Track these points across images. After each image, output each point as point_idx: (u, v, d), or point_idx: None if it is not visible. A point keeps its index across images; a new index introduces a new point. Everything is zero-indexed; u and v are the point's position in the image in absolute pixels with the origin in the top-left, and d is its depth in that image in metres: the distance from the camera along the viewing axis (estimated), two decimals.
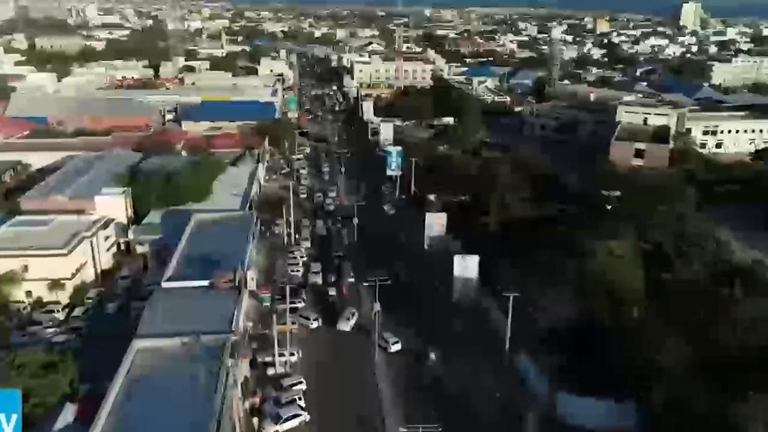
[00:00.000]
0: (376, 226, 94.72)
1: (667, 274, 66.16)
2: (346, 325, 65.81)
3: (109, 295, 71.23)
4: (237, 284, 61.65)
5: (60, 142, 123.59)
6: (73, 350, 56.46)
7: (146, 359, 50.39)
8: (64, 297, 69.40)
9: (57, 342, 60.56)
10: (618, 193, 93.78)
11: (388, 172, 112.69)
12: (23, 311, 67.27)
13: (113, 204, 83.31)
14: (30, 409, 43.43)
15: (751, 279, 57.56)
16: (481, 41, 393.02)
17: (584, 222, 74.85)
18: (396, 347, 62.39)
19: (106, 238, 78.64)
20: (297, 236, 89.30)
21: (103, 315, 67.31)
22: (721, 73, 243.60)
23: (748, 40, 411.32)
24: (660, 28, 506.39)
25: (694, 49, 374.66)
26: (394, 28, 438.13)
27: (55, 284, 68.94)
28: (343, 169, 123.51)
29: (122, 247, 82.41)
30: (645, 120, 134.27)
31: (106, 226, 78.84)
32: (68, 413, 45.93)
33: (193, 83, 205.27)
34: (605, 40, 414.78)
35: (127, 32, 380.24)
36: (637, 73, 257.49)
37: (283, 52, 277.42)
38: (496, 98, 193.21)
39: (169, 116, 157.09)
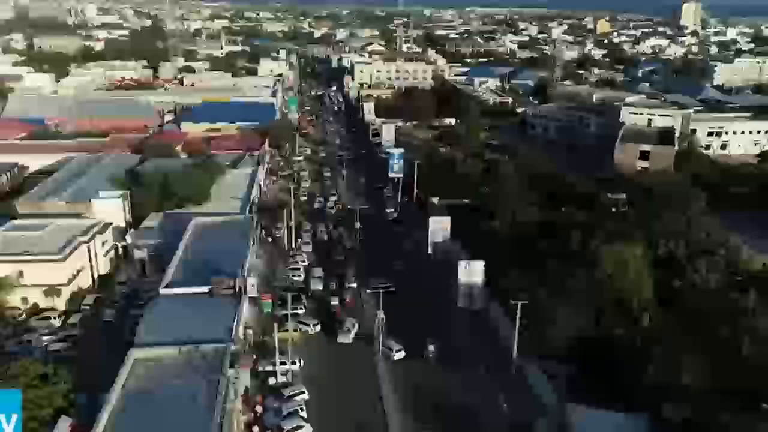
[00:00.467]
0: (378, 230, 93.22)
1: (678, 281, 64.92)
2: (346, 338, 63.68)
3: (107, 302, 69.67)
4: (237, 291, 60.31)
5: (57, 144, 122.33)
6: (69, 360, 55.16)
7: (144, 370, 49.01)
8: (60, 303, 67.98)
9: (53, 350, 59.22)
10: (624, 195, 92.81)
11: (390, 175, 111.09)
12: (18, 318, 65.69)
13: (111, 207, 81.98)
14: (23, 423, 41.86)
15: (766, 286, 56.02)
16: (482, 41, 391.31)
17: (591, 226, 73.23)
18: (399, 355, 60.91)
19: (104, 242, 77.10)
20: (298, 241, 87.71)
21: (100, 322, 65.77)
22: (724, 74, 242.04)
23: (749, 40, 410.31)
24: (660, 28, 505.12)
25: (695, 49, 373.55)
26: (395, 28, 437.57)
27: (51, 290, 67.43)
28: (344, 172, 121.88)
29: (120, 251, 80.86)
30: (649, 121, 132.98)
31: (103, 230, 77.30)
32: (63, 428, 44.32)
33: (192, 84, 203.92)
34: (605, 40, 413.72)
35: (126, 32, 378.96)
36: (639, 74, 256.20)
37: (282, 53, 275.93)
38: (499, 99, 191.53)
39: (168, 117, 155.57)
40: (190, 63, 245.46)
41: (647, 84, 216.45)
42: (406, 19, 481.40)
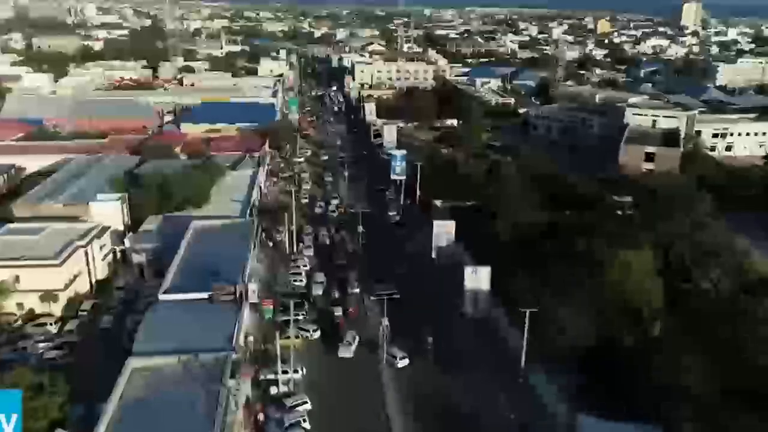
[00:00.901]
0: (381, 233, 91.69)
1: (687, 285, 63.68)
2: (347, 351, 61.13)
3: (104, 308, 68.29)
4: (238, 297, 59.00)
5: (55, 145, 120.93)
6: (66, 368, 53.80)
7: (142, 380, 47.75)
8: (56, 309, 66.54)
9: (49, 358, 57.86)
10: (630, 198, 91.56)
11: (392, 176, 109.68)
12: (14, 324, 64.30)
13: (109, 210, 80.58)
14: None
15: None
16: (482, 41, 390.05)
17: (598, 229, 71.91)
18: (403, 362, 59.56)
19: (102, 246, 75.67)
20: (300, 245, 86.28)
21: (97, 329, 64.39)
22: (727, 74, 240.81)
23: (750, 40, 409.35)
24: (661, 29, 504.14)
25: (696, 49, 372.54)
26: (395, 28, 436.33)
27: (48, 296, 65.99)
28: (346, 173, 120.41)
29: (118, 255, 79.46)
30: (654, 122, 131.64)
31: (101, 234, 75.83)
32: None
33: (192, 84, 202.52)
34: (606, 41, 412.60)
35: (125, 32, 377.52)
36: (641, 74, 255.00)
37: (283, 53, 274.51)
38: (501, 100, 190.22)
39: (167, 117, 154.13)
40: (189, 63, 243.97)
41: (649, 84, 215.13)
42: (406, 19, 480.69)
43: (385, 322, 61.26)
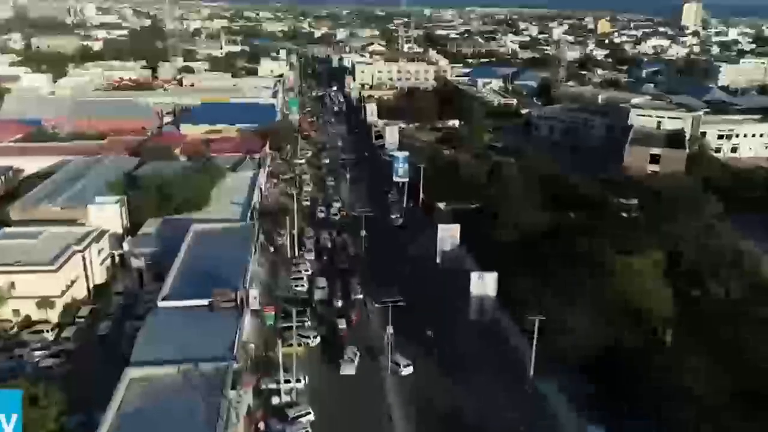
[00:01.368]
0: (383, 236, 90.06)
1: (697, 291, 62.48)
2: (350, 368, 58.90)
3: (102, 314, 66.93)
4: (239, 303, 57.65)
5: (54, 146, 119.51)
6: (62, 377, 52.52)
7: (140, 390, 46.40)
8: (53, 316, 65.18)
9: (45, 366, 56.57)
10: (635, 201, 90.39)
11: (395, 179, 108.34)
12: (10, 331, 62.97)
13: (108, 213, 79.34)
14: None
15: None
16: (482, 42, 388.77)
17: (604, 233, 70.70)
18: (408, 370, 58.27)
19: (100, 251, 74.29)
20: (301, 249, 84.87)
21: (95, 335, 63.05)
22: (730, 74, 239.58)
23: (750, 40, 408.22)
24: (661, 29, 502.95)
25: (697, 49, 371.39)
26: (395, 28, 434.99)
27: (44, 302, 64.62)
28: (347, 175, 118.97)
29: (117, 260, 78.09)
30: (659, 124, 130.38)
31: (99, 237, 74.49)
32: None
33: (191, 84, 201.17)
34: (606, 41, 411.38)
35: (125, 32, 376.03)
36: (643, 74, 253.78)
37: (283, 53, 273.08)
38: (503, 100, 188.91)
39: (167, 118, 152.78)
40: (189, 63, 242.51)
41: (651, 85, 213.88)
42: (406, 19, 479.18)
43: (390, 330, 59.87)
